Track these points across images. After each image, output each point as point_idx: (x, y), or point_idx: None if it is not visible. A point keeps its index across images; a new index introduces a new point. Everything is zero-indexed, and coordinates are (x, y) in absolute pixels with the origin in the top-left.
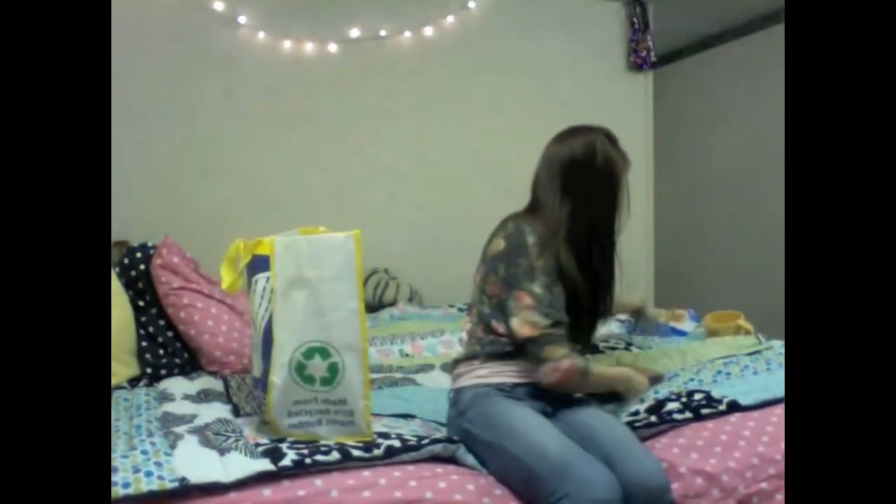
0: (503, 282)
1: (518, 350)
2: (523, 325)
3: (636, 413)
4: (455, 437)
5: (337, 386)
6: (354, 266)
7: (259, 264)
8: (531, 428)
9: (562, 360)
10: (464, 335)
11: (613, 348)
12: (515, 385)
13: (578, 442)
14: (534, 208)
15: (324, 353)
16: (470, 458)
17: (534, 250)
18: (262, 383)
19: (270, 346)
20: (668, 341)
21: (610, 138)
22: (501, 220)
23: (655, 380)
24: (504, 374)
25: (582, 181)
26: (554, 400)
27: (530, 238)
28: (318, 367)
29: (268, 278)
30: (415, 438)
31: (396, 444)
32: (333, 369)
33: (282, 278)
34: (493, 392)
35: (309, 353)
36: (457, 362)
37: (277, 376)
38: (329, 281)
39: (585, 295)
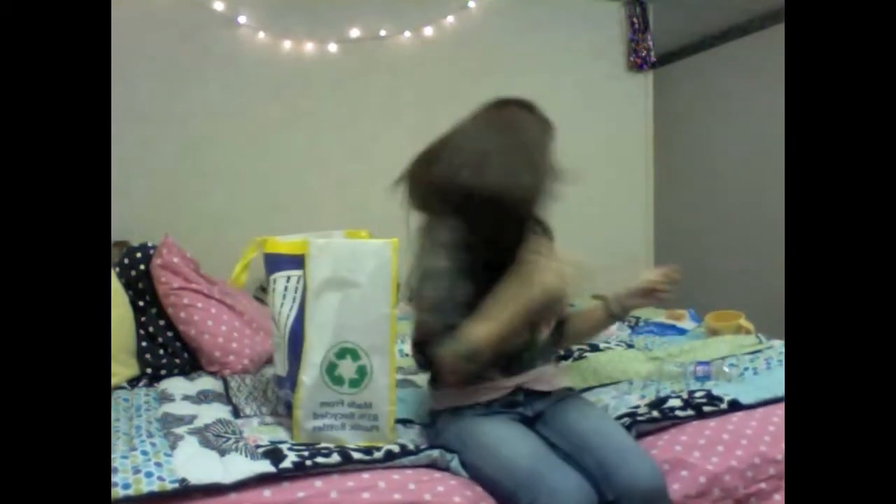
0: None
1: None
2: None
3: (636, 407)
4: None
5: (364, 389)
6: (390, 272)
7: (276, 263)
8: (502, 443)
9: (445, 358)
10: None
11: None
12: (490, 401)
13: (569, 449)
14: None
15: (354, 354)
16: (462, 471)
17: (426, 248)
18: (291, 381)
19: (301, 345)
20: (669, 341)
21: (525, 107)
22: None
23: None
24: (477, 393)
25: None
26: (533, 402)
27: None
28: (348, 368)
29: (288, 278)
30: (413, 445)
31: (395, 448)
32: (362, 371)
33: (316, 279)
34: (466, 411)
35: (341, 354)
36: (432, 381)
37: (308, 375)
38: (364, 285)
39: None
